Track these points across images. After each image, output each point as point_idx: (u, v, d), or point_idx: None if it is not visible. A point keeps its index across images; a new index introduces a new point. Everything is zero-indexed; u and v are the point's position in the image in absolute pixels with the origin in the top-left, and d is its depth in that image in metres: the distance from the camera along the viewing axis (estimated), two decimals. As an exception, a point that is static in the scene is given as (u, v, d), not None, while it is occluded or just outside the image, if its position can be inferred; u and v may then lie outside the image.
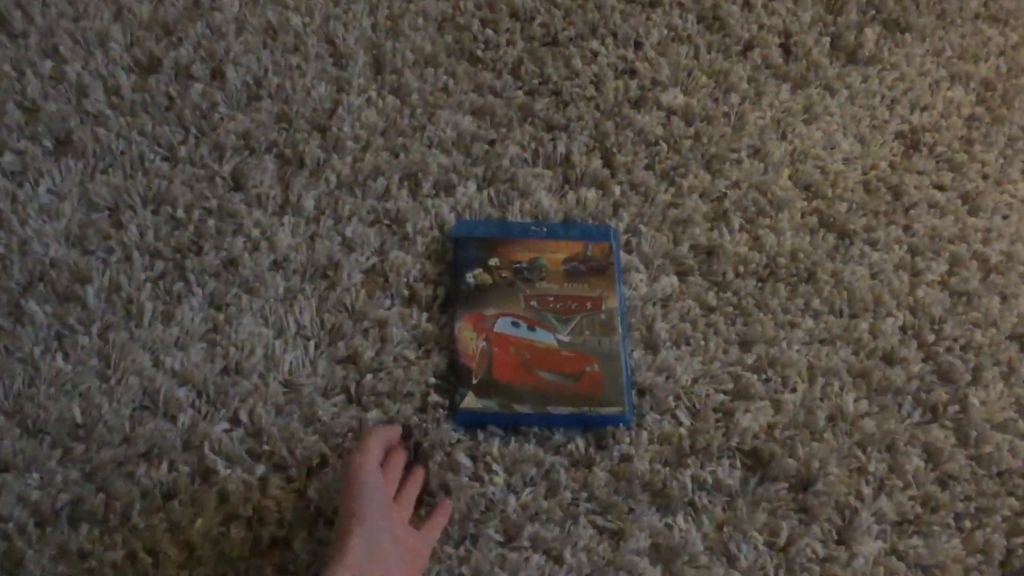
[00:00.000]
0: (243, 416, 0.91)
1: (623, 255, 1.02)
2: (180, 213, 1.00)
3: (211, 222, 1.00)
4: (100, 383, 0.91)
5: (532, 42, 1.16)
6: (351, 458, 0.78)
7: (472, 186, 1.05)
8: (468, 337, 0.94)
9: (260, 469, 0.88)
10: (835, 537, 0.88)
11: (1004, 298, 1.00)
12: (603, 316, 0.96)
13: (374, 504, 0.75)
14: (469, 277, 0.97)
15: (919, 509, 0.89)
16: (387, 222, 1.03)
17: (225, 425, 0.90)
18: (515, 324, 0.95)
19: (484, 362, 0.93)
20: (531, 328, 0.95)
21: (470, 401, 0.91)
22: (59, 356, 0.92)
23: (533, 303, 0.96)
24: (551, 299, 0.97)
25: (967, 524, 0.89)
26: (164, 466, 0.88)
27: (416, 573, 0.80)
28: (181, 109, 1.07)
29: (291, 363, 0.94)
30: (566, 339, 0.95)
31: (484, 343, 0.94)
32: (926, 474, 0.91)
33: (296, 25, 1.14)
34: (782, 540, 0.87)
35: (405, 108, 1.09)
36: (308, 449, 0.89)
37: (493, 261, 0.98)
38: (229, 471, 0.88)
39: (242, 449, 0.89)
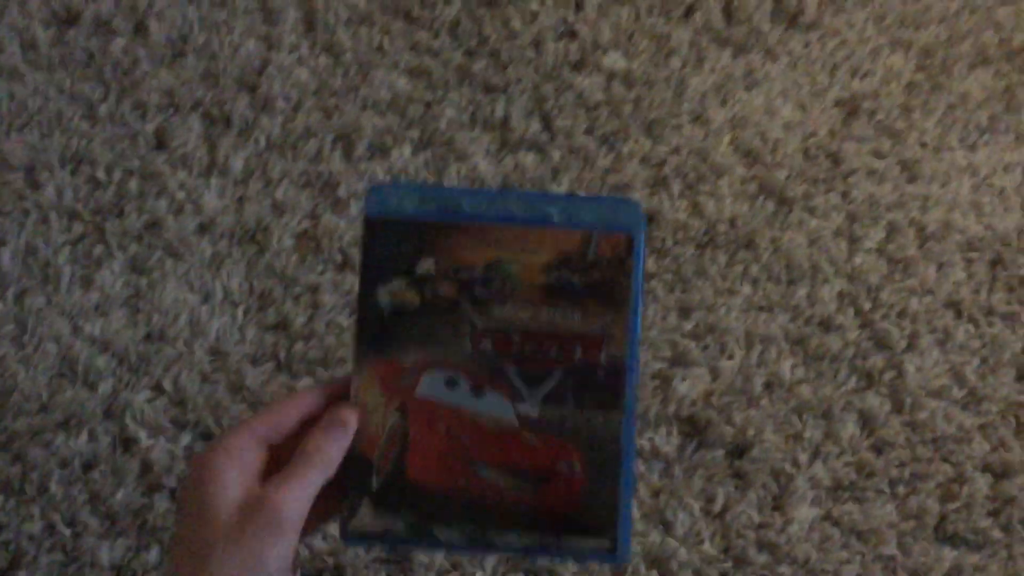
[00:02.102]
0: (167, 384, 0.87)
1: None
2: (100, 174, 0.96)
3: (133, 183, 0.96)
4: (16, 350, 0.87)
5: (470, 1, 1.13)
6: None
7: (407, 149, 1.02)
8: (372, 403, 0.57)
9: (185, 438, 0.85)
10: (771, 503, 0.88)
11: (940, 266, 1.01)
12: (601, 373, 0.57)
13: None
14: (382, 294, 0.57)
15: (854, 475, 0.89)
16: (319, 185, 0.99)
17: (148, 393, 0.87)
18: (451, 384, 0.57)
19: (393, 449, 0.56)
20: (477, 391, 0.57)
21: (364, 518, 0.56)
22: (-29, 322, 0.88)
23: (486, 345, 0.57)
24: (517, 339, 0.57)
25: (901, 490, 0.89)
26: (83, 435, 0.84)
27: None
28: (101, 65, 1.02)
29: (218, 330, 0.91)
30: (534, 412, 0.57)
31: (397, 415, 0.57)
32: (861, 440, 0.91)
33: (225, -20, 1.10)
34: (718, 506, 0.87)
35: (338, 67, 1.06)
36: (235, 418, 0.86)
37: (425, 265, 0.57)
38: (152, 441, 0.85)
39: (166, 418, 0.86)
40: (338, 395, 0.56)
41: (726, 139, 1.07)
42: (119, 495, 0.82)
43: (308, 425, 0.55)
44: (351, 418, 0.55)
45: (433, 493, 0.56)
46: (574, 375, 0.57)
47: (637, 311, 0.57)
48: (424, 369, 0.57)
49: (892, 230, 1.03)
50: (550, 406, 0.56)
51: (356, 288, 0.64)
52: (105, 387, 0.87)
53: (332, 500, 0.54)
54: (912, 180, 1.06)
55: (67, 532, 0.80)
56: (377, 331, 0.57)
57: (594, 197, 0.70)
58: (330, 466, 0.53)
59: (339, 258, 0.95)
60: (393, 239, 0.57)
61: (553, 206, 0.58)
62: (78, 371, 0.87)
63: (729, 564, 0.85)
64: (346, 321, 0.92)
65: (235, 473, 0.51)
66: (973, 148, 1.08)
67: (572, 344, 0.57)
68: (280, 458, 0.54)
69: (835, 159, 1.06)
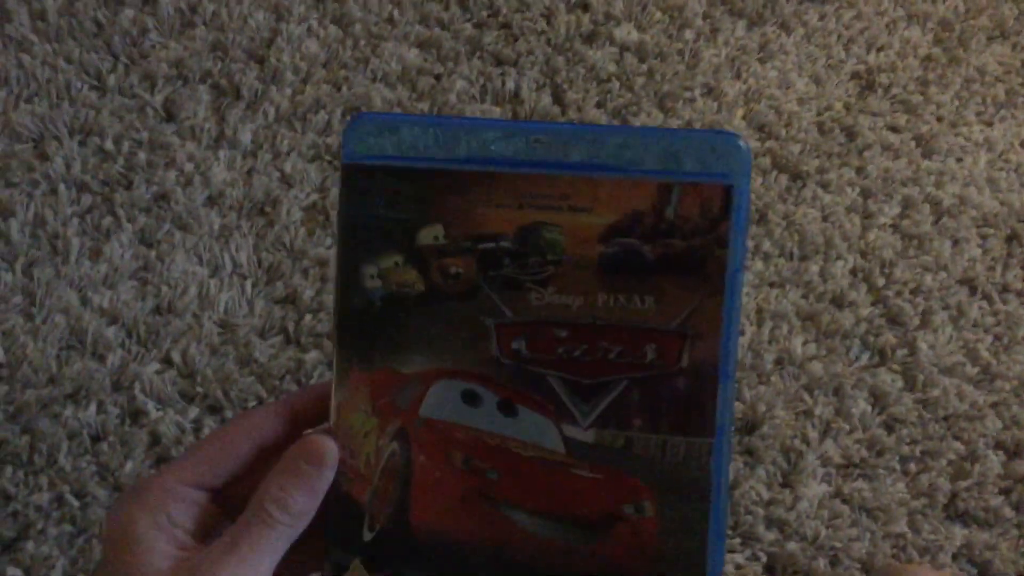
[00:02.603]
0: (176, 357, 0.87)
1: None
2: (109, 145, 0.96)
3: (141, 155, 0.95)
4: (24, 321, 0.87)
5: (482, -27, 1.12)
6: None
7: (417, 121, 1.01)
8: (359, 427, 0.41)
9: (193, 411, 0.85)
10: (780, 480, 0.87)
11: (955, 242, 0.99)
12: (683, 382, 0.41)
13: None
14: (369, 275, 0.41)
15: (864, 452, 0.89)
16: (328, 158, 0.99)
17: (157, 366, 0.87)
18: (470, 399, 0.41)
19: (391, 489, 0.41)
20: (507, 409, 0.41)
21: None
22: (-20, 293, 0.88)
23: (519, 344, 0.41)
24: (563, 335, 0.41)
25: (912, 467, 0.89)
26: (92, 407, 0.84)
27: None
28: (110, 35, 1.01)
29: (227, 302, 0.90)
30: (587, 437, 0.41)
31: (394, 444, 0.41)
32: (872, 417, 0.90)
33: (234, -50, 1.09)
34: (727, 483, 0.86)
35: (348, 39, 1.05)
36: (244, 391, 0.86)
37: (431, 233, 0.41)
38: (161, 413, 0.85)
39: (174, 391, 0.86)
40: (308, 415, 0.42)
41: (739, 113, 1.05)
42: (128, 467, 0.82)
43: (267, 456, 0.40)
44: (328, 452, 0.39)
45: (446, 546, 0.40)
46: (644, 386, 0.40)
47: (735, 294, 0.40)
48: (432, 380, 0.41)
49: (907, 205, 1.01)
50: (610, 428, 0.41)
51: (333, 267, 0.46)
52: (114, 359, 0.87)
53: (309, 555, 0.41)
54: (928, 155, 1.05)
55: (76, 503, 0.80)
56: (364, 328, 0.40)
57: (675, 131, 0.45)
58: (298, 520, 0.39)
59: (348, 231, 0.95)
60: (385, 195, 0.40)
61: (614, 144, 0.39)
62: (87, 343, 0.87)
63: (737, 541, 0.84)
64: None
65: (158, 537, 0.37)
66: (990, 123, 1.07)
67: (642, 342, 0.40)
68: (235, 501, 0.40)
69: (850, 133, 1.05)
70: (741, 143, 0.40)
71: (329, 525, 0.40)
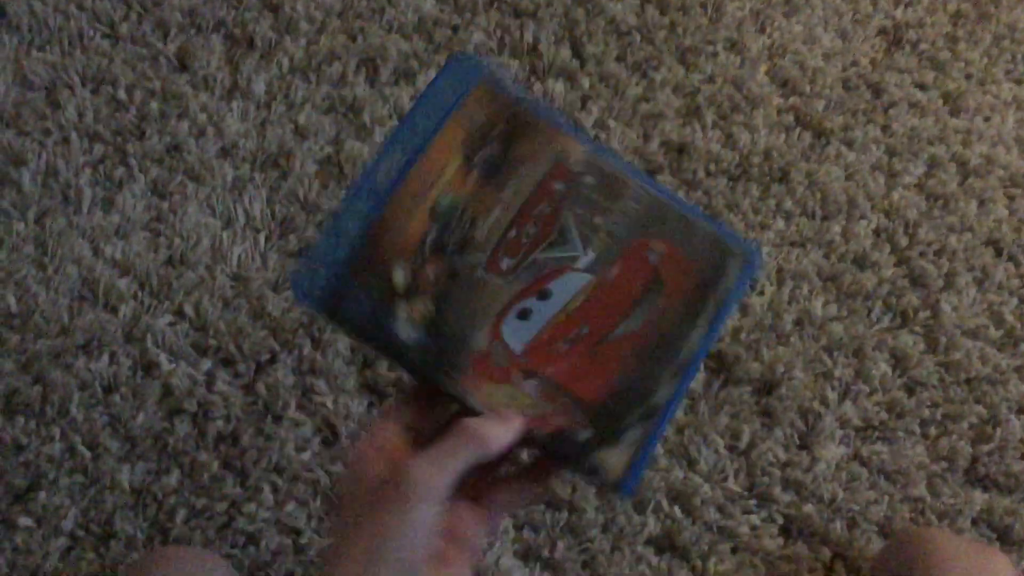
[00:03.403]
0: (188, 309, 0.86)
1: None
2: (121, 94, 0.94)
3: (154, 104, 0.94)
4: (36, 271, 0.87)
5: (501, -77, 1.09)
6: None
7: (433, 74, 0.99)
8: (501, 399, 0.50)
9: (206, 364, 0.85)
10: (797, 442, 0.86)
11: (982, 202, 0.97)
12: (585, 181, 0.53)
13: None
14: (404, 323, 0.50)
15: (884, 415, 0.87)
16: (343, 110, 0.97)
17: (169, 318, 0.86)
18: (524, 314, 0.51)
19: (562, 402, 0.50)
20: (544, 295, 0.51)
21: (612, 462, 0.49)
22: (-8, 242, 0.88)
23: (504, 255, 0.51)
24: (514, 226, 0.52)
25: (933, 431, 0.87)
26: (104, 358, 0.84)
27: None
28: (123, -17, 1.00)
29: (240, 255, 0.89)
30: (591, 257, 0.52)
31: (534, 379, 0.50)
32: (893, 380, 0.89)
33: None
34: (743, 444, 0.85)
35: (364, -11, 1.03)
36: (257, 344, 0.85)
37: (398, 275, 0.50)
38: (173, 365, 0.84)
39: (187, 343, 0.85)
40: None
41: (763, 68, 1.03)
42: (139, 418, 0.81)
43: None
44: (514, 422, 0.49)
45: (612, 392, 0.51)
46: (570, 202, 0.53)
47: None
48: (497, 329, 0.50)
49: (933, 165, 0.99)
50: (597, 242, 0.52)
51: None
52: (126, 310, 0.86)
53: (523, 484, 0.51)
54: (955, 113, 1.02)
55: (87, 454, 0.80)
56: (439, 348, 0.50)
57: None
58: (484, 445, 0.47)
59: (362, 185, 0.94)
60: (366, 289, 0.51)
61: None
62: (99, 294, 0.86)
63: (753, 501, 0.84)
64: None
65: (376, 452, 0.48)
66: (1019, 81, 1.04)
67: (544, 191, 0.52)
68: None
69: (876, 90, 1.03)
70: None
71: (554, 460, 0.50)
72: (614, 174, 0.53)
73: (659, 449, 0.84)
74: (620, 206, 0.53)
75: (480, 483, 0.49)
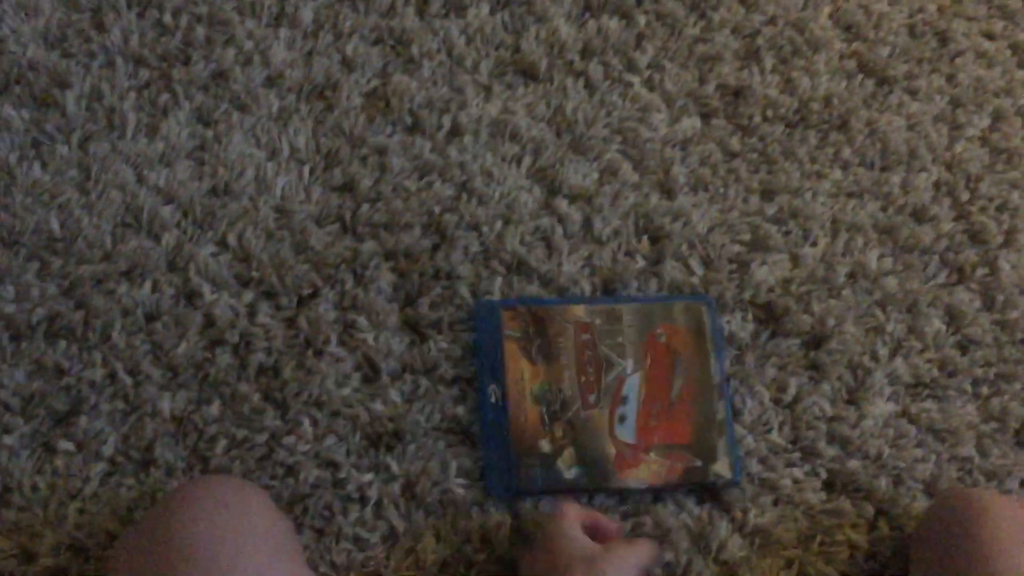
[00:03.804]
0: (231, 240, 0.86)
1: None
2: (167, 18, 0.93)
3: (200, 30, 0.92)
4: (80, 196, 0.86)
5: None
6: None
7: (485, 8, 0.97)
8: (639, 474, 0.80)
9: (248, 295, 0.84)
10: (845, 396, 0.84)
11: (1048, 158, 0.94)
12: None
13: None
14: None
15: (935, 372, 0.85)
16: (391, 42, 0.95)
17: (212, 248, 0.85)
18: (621, 420, 0.82)
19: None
20: (622, 401, 0.82)
21: (717, 467, 0.80)
22: (36, 165, 0.87)
23: (588, 394, 0.82)
24: (580, 374, 0.83)
25: (984, 390, 0.85)
26: (147, 286, 0.83)
27: None
28: (171, -97, 0.97)
29: (283, 187, 0.88)
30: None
31: (650, 452, 0.81)
32: (946, 337, 0.87)
33: None
34: (789, 396, 0.83)
35: (416, -83, 1.00)
36: (299, 278, 0.84)
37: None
38: (216, 295, 0.83)
39: (230, 274, 0.84)
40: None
41: (826, 10, 0.99)
42: (181, 347, 0.81)
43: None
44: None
45: None
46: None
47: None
48: (613, 437, 0.81)
49: (998, 117, 0.96)
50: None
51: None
52: (169, 239, 0.85)
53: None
54: (1022, 65, 0.99)
55: (128, 381, 0.80)
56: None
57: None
58: (653, 554, 0.70)
59: (409, 120, 0.92)
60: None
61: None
62: (142, 221, 0.85)
63: (797, 455, 0.82)
64: (414, 185, 0.89)
65: (569, 532, 0.70)
66: (1094, 34, 1.00)
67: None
68: None
69: (942, 38, 0.99)
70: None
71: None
72: (607, 309, 0.84)
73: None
74: (622, 324, 0.84)
75: None
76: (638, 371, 0.82)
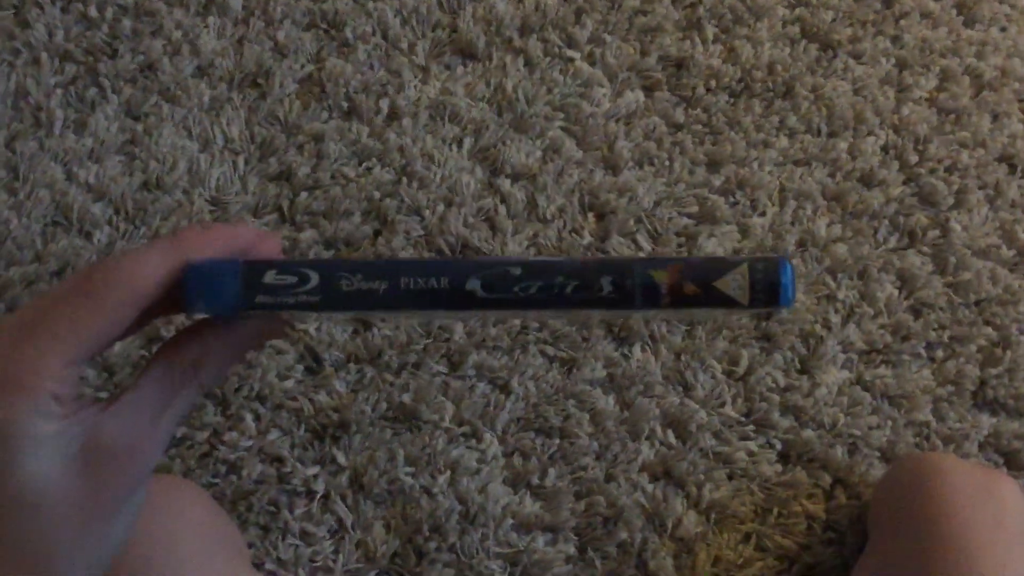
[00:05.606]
0: (165, 234, 0.83)
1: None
2: (92, 12, 0.90)
3: (126, 22, 0.90)
4: (8, 196, 0.84)
5: None
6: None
7: (420, -12, 0.95)
8: None
9: (185, 291, 0.82)
10: (798, 366, 0.83)
11: (995, 116, 0.93)
12: None
13: None
14: None
15: (889, 338, 0.84)
16: (324, 26, 0.93)
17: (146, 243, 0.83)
18: None
19: None
20: None
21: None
22: (-40, 166, 0.84)
23: None
24: None
25: (939, 354, 0.84)
26: (79, 286, 0.81)
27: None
28: None
29: (218, 179, 0.86)
30: None
31: None
32: (899, 302, 0.85)
33: None
34: (741, 369, 0.82)
35: (346, -102, 0.98)
36: (237, 270, 0.82)
37: None
38: (151, 292, 0.81)
39: (165, 269, 0.82)
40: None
41: (766, -23, 0.98)
42: (116, 347, 0.79)
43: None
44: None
45: None
46: None
47: None
48: None
49: (945, 78, 0.94)
50: None
51: None
52: (101, 236, 0.83)
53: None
54: (969, 24, 0.97)
55: (65, 383, 0.78)
56: None
57: None
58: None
59: (345, 105, 0.90)
60: None
61: None
62: (73, 219, 0.83)
63: (751, 427, 0.81)
64: (353, 171, 0.87)
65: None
66: (1040, -10, 0.99)
67: None
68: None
69: (887, 1, 0.97)
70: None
71: None
72: None
73: (657, 376, 0.81)
74: None
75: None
76: None
